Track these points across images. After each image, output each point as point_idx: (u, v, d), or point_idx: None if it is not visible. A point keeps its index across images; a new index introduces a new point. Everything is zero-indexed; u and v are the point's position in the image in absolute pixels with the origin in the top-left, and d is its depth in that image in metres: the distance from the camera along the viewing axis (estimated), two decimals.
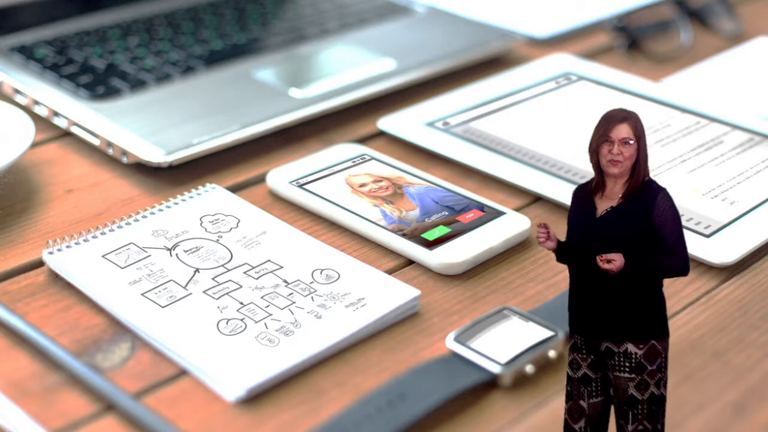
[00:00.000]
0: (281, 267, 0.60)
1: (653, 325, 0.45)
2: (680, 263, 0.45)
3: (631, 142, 0.44)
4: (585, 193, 0.46)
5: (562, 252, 0.47)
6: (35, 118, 0.74)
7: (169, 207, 0.66)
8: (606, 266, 0.44)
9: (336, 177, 0.70)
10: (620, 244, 0.44)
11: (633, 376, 0.45)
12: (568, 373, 0.47)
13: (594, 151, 0.45)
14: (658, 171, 0.71)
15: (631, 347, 0.45)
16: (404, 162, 0.73)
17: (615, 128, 0.44)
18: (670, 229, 0.44)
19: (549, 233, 0.46)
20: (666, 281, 0.59)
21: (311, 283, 0.59)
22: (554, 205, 0.69)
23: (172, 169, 0.72)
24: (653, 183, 0.45)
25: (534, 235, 0.65)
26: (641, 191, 0.45)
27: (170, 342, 0.54)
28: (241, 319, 0.56)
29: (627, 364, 0.45)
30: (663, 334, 0.45)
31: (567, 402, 0.47)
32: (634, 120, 0.45)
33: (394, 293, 0.58)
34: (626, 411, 0.45)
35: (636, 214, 0.45)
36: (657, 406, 0.45)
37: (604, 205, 0.45)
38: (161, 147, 0.71)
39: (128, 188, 0.71)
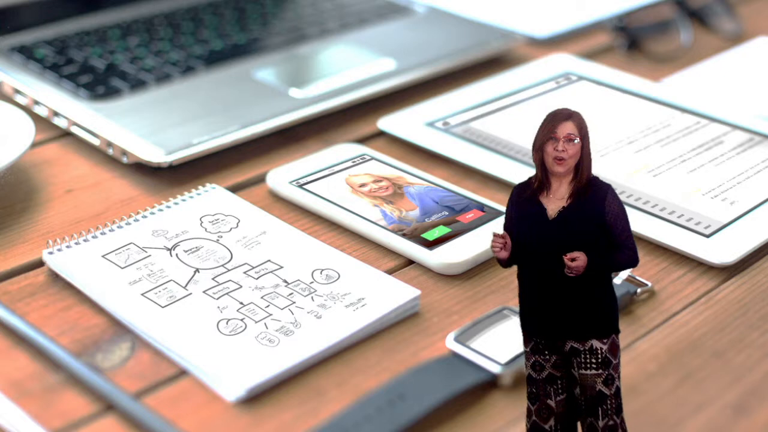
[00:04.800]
0: (281, 267, 0.60)
1: (612, 319, 0.46)
2: (632, 256, 0.46)
3: (576, 140, 0.45)
4: (529, 194, 0.46)
5: (510, 257, 0.46)
6: (35, 118, 0.74)
7: (169, 207, 0.66)
8: (572, 264, 0.44)
9: (336, 177, 0.70)
10: (578, 244, 0.44)
11: (600, 371, 0.45)
12: (530, 375, 0.47)
13: (539, 149, 0.45)
14: (658, 171, 0.71)
15: (596, 343, 0.45)
16: (404, 162, 0.73)
17: (560, 125, 0.45)
18: (620, 225, 0.45)
19: (506, 243, 0.46)
20: (666, 281, 0.60)
21: (311, 283, 0.59)
22: None
23: (172, 169, 0.72)
24: (598, 181, 0.46)
25: None
26: (588, 190, 0.45)
27: (170, 342, 0.54)
28: (241, 319, 0.56)
29: (593, 360, 0.45)
30: (618, 328, 0.46)
31: (534, 404, 0.47)
32: (578, 118, 0.45)
33: (394, 293, 0.58)
34: (595, 407, 0.45)
35: (588, 214, 0.45)
36: (621, 399, 0.46)
37: (553, 205, 0.45)
38: (161, 147, 0.71)
39: (128, 188, 0.71)
